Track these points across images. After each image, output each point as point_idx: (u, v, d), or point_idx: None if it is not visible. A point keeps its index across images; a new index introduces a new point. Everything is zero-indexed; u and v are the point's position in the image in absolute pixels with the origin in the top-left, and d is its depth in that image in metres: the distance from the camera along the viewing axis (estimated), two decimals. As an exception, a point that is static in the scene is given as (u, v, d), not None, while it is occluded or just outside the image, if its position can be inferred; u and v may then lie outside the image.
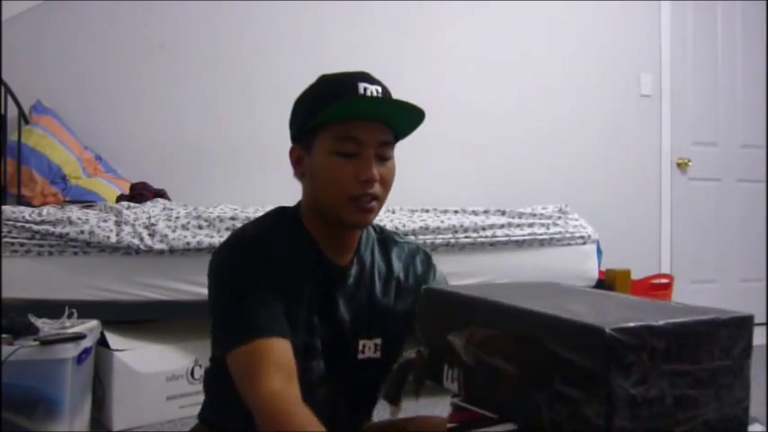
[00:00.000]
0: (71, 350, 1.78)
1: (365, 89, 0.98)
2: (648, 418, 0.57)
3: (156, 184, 2.76)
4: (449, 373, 0.74)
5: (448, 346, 0.72)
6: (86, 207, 2.30)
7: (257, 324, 0.91)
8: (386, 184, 1.01)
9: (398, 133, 1.04)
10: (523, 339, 0.64)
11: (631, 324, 0.57)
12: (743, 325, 0.63)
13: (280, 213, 1.09)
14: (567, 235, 2.54)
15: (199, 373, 2.16)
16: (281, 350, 0.90)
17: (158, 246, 2.13)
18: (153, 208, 2.29)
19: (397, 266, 1.12)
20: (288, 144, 1.09)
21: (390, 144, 1.02)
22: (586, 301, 0.73)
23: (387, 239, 1.14)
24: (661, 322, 0.58)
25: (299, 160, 1.05)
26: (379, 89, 1.01)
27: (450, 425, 0.69)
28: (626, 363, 0.55)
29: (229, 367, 0.92)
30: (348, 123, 0.97)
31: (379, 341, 1.06)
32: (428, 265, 1.16)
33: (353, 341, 1.05)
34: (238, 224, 2.13)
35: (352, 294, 1.06)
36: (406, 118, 1.00)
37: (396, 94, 1.05)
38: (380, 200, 1.01)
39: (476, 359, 0.69)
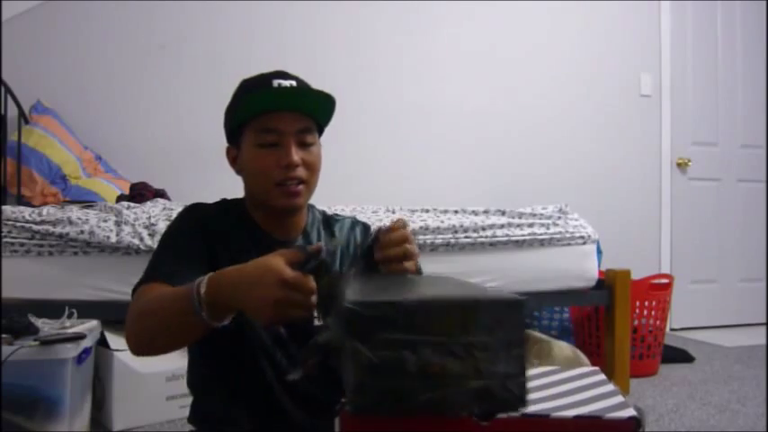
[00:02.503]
0: (71, 350, 1.79)
1: (279, 84, 1.06)
2: (391, 379, 0.65)
3: (156, 184, 2.76)
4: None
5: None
6: (86, 207, 2.30)
7: (163, 270, 1.02)
8: (311, 168, 1.08)
9: (319, 121, 1.11)
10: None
11: (372, 299, 0.66)
12: (511, 307, 0.68)
13: (224, 200, 1.19)
14: (567, 235, 2.54)
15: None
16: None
17: (158, 246, 2.13)
18: (153, 208, 2.29)
19: (340, 237, 1.21)
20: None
21: (310, 131, 1.08)
22: (396, 283, 0.84)
23: (329, 218, 1.23)
24: (407, 298, 0.66)
25: (234, 159, 1.14)
26: (294, 83, 1.08)
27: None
28: (363, 331, 0.64)
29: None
30: (266, 117, 1.05)
31: None
32: (366, 234, 1.23)
33: None
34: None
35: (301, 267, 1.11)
36: (317, 105, 1.07)
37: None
38: (307, 183, 1.08)
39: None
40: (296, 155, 1.04)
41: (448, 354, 0.66)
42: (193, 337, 0.93)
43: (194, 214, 1.12)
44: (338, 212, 1.30)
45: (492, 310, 0.68)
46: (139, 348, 0.97)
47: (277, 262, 0.80)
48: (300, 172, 1.06)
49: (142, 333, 0.95)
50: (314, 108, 1.08)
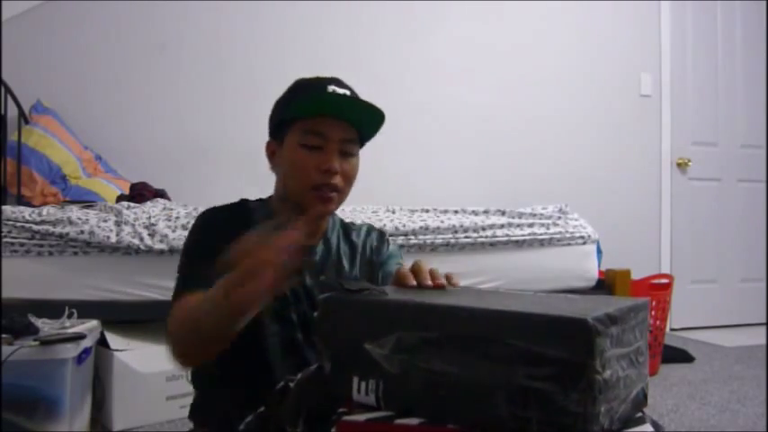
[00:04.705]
0: (71, 350, 1.78)
1: (333, 90, 1.07)
2: (611, 401, 0.60)
3: (156, 184, 2.76)
4: (361, 386, 0.71)
5: (364, 357, 0.70)
6: (86, 207, 2.30)
7: (191, 279, 1.02)
8: (348, 178, 1.09)
9: (363, 135, 1.12)
10: (475, 339, 0.64)
11: (599, 313, 0.59)
12: (645, 308, 0.70)
13: (245, 200, 1.19)
14: (567, 235, 2.54)
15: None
16: None
17: (158, 246, 2.13)
18: (153, 208, 2.30)
19: (358, 244, 1.22)
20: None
21: (354, 142, 1.10)
22: (513, 298, 0.75)
23: (347, 226, 1.24)
24: (612, 310, 0.61)
25: (272, 154, 1.14)
26: (348, 93, 1.09)
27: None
28: (600, 350, 0.58)
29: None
30: (315, 119, 1.05)
31: None
32: (382, 239, 1.25)
33: None
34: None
35: (320, 271, 1.14)
36: (368, 118, 1.07)
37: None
38: (341, 192, 1.09)
39: (403, 367, 0.68)
40: (336, 162, 1.05)
41: (629, 363, 0.64)
42: (226, 337, 0.90)
43: (209, 220, 1.12)
44: (350, 219, 1.31)
45: (641, 313, 0.67)
46: (187, 360, 0.99)
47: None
48: (337, 180, 1.06)
49: (185, 346, 0.95)
50: (363, 121, 1.08)
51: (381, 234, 1.26)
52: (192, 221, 1.14)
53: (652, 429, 0.67)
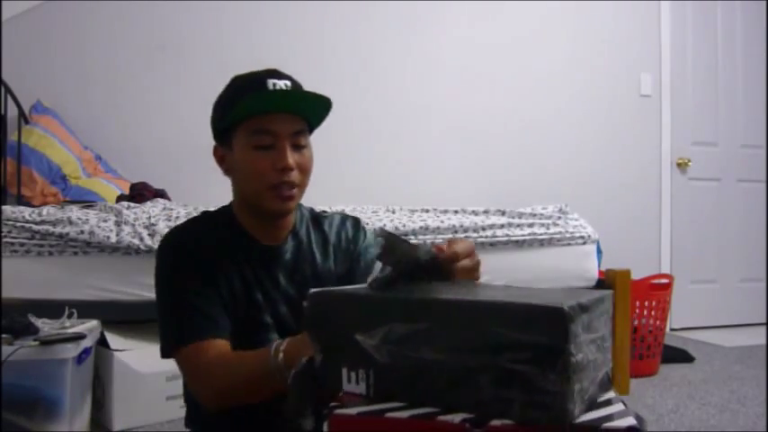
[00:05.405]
0: (71, 350, 1.79)
1: (274, 84, 1.04)
2: (582, 381, 0.66)
3: (156, 184, 2.76)
4: (351, 376, 0.74)
5: (353, 348, 0.74)
6: (86, 207, 2.30)
7: (201, 325, 1.01)
8: (304, 170, 1.07)
9: (311, 122, 1.10)
10: (462, 328, 0.68)
11: (572, 302, 0.65)
12: (609, 300, 0.76)
13: (205, 213, 1.20)
14: (567, 235, 2.54)
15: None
16: (218, 347, 1.00)
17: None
18: (153, 208, 2.30)
19: (331, 234, 1.20)
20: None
21: (303, 133, 1.07)
22: (497, 291, 0.81)
23: (318, 216, 1.22)
24: (584, 300, 0.68)
25: (222, 159, 1.13)
26: (288, 83, 1.06)
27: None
28: (574, 335, 0.64)
29: (178, 367, 1.04)
30: (261, 117, 1.03)
31: None
32: (357, 227, 1.23)
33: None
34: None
35: (293, 268, 1.13)
36: (313, 107, 1.06)
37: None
38: (300, 186, 1.07)
39: (393, 356, 0.71)
40: (291, 158, 1.03)
41: (597, 348, 0.71)
42: (272, 392, 0.93)
43: (175, 245, 1.09)
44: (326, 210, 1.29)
45: (606, 304, 0.74)
46: (222, 402, 0.99)
47: None
48: (294, 176, 1.04)
49: (228, 391, 0.97)
50: (310, 110, 1.06)
51: (356, 222, 1.24)
52: (160, 251, 1.10)
53: (634, 422, 0.67)
